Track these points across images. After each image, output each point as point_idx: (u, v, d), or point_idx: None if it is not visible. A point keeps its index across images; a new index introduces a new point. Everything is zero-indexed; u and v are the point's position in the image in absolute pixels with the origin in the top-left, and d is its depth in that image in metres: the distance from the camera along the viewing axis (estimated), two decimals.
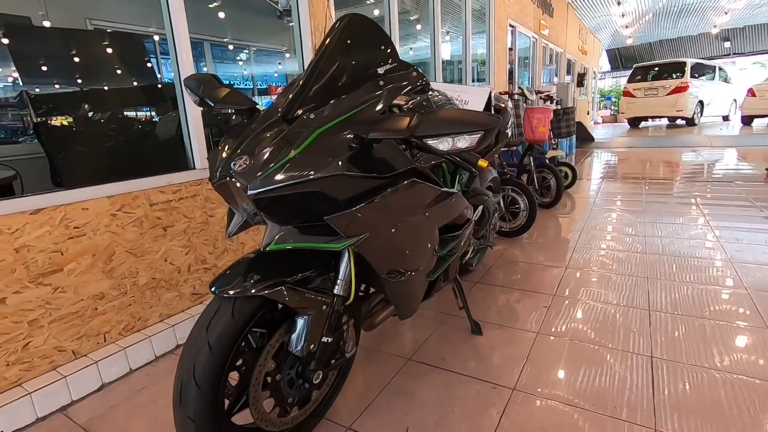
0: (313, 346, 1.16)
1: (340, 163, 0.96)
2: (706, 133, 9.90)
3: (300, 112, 1.07)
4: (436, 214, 1.24)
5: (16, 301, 1.56)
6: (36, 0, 4.76)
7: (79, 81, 3.75)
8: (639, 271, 2.57)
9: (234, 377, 1.11)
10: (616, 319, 2.03)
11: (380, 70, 1.14)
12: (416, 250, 1.23)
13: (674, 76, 11.45)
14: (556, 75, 9.76)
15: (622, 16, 11.75)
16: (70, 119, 3.15)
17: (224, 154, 1.02)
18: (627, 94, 12.36)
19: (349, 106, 1.06)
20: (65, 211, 1.68)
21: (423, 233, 1.22)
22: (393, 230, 1.10)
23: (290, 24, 2.84)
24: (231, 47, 8.39)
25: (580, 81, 12.07)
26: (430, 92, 1.57)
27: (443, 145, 0.97)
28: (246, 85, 9.72)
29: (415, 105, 1.38)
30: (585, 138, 9.74)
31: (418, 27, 8.73)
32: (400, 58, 1.22)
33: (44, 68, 3.65)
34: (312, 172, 0.94)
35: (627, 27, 13.53)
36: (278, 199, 0.95)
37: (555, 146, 4.56)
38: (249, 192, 0.93)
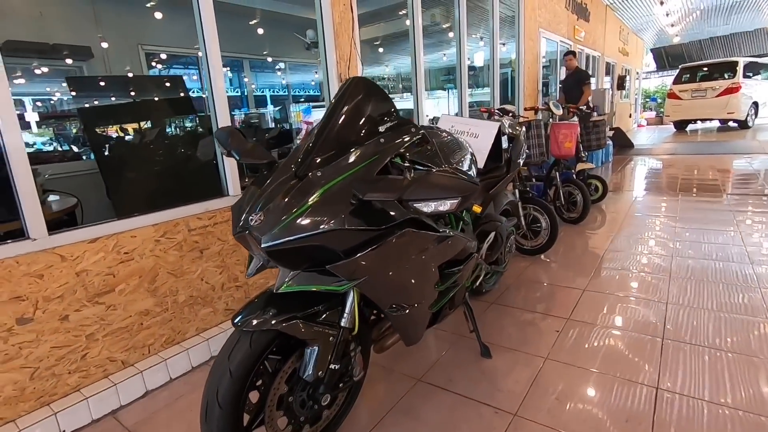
0: (321, 372, 1.30)
1: (341, 218, 1.10)
2: (760, 138, 9.32)
3: (312, 168, 1.22)
4: (434, 256, 1.35)
5: (77, 318, 1.82)
6: (95, 29, 5.27)
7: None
8: (664, 296, 2.56)
9: (254, 396, 1.28)
10: (628, 346, 2.05)
11: (381, 128, 1.28)
12: (415, 287, 1.36)
13: (725, 76, 10.85)
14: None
15: (667, 15, 11.27)
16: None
17: (245, 208, 1.19)
18: (672, 96, 11.82)
19: (351, 164, 1.20)
20: (117, 239, 1.92)
21: (421, 273, 1.34)
22: (391, 273, 1.23)
23: (317, 55, 3.03)
24: (270, 59, 8.78)
25: (621, 84, 11.67)
26: (441, 132, 1.68)
27: (427, 208, 1.09)
28: (283, 92, 10.16)
29: (420, 155, 1.49)
30: (624, 144, 9.42)
31: (451, 34, 8.80)
32: (400, 114, 1.35)
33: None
34: (316, 228, 1.09)
35: (673, 26, 12.95)
36: (287, 250, 1.10)
37: (584, 159, 4.51)
38: (262, 245, 1.09)
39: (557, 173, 4.06)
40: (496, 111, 3.30)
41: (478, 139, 2.06)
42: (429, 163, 1.47)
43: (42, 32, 4.76)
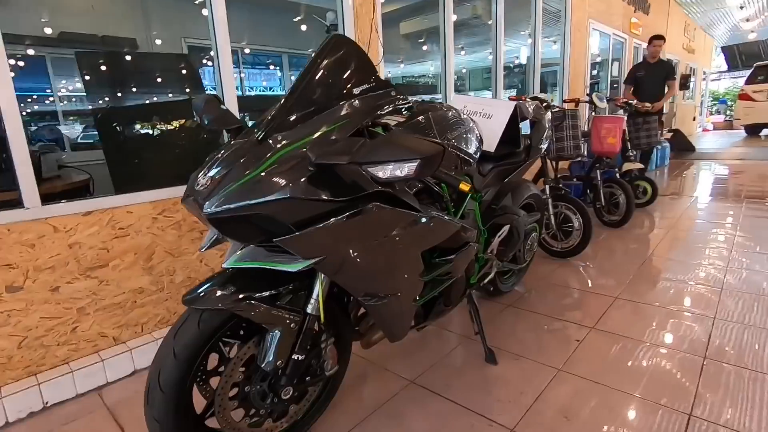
0: (281, 362, 1.17)
1: (292, 186, 0.97)
2: None
3: (277, 131, 1.09)
4: (413, 239, 1.18)
5: (68, 290, 1.81)
6: (142, 22, 5.51)
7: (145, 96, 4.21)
8: (711, 311, 2.21)
9: (214, 382, 1.17)
10: (660, 363, 1.77)
11: (356, 91, 1.13)
12: (390, 274, 1.20)
13: None
14: None
15: (741, 8, 10.24)
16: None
17: (197, 173, 1.08)
18: (744, 97, 10.76)
19: (315, 128, 1.06)
20: (113, 213, 1.90)
21: (397, 258, 1.18)
22: (356, 254, 1.08)
23: None
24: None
25: (684, 83, 10.75)
26: (442, 107, 1.51)
27: (383, 172, 0.93)
28: None
29: (412, 127, 1.33)
30: (684, 148, 8.64)
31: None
32: (384, 77, 1.19)
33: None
34: (263, 196, 0.96)
35: (748, 20, 11.76)
36: (231, 219, 0.98)
37: (632, 158, 4.11)
38: (203, 212, 0.97)
39: (598, 171, 3.71)
40: (528, 99, 3.03)
41: (491, 120, 1.85)
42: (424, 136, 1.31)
43: (92, 25, 5.02)
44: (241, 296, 1.10)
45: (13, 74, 1.66)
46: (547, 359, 1.84)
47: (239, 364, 1.17)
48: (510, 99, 2.95)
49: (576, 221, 2.97)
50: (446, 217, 1.28)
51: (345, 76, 1.13)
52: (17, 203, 1.70)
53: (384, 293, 1.23)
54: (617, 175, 3.83)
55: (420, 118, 1.38)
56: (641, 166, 4.36)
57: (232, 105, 2.29)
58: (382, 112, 1.13)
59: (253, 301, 1.10)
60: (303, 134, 1.05)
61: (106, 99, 4.06)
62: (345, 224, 1.02)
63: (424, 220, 1.17)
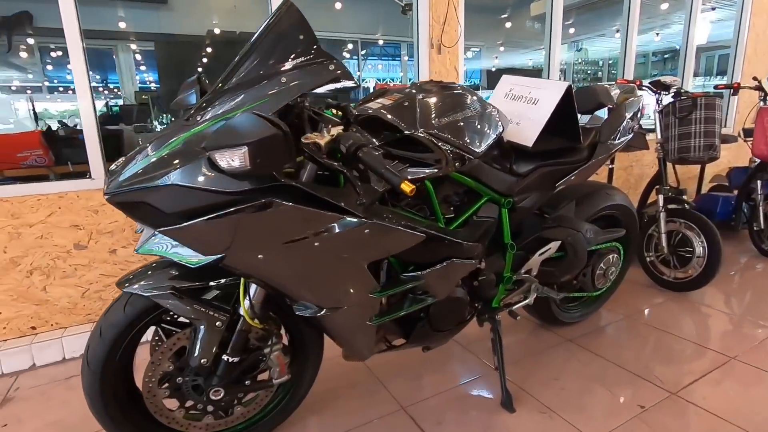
0: (204, 360, 1.10)
1: (179, 172, 0.86)
2: None
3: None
4: (343, 246, 0.96)
5: (124, 254, 2.04)
6: (263, 15, 6.04)
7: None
8: None
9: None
10: None
11: (287, 65, 0.95)
12: (324, 284, 1.01)
13: None
14: None
15: None
16: None
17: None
18: None
19: (233, 108, 0.92)
20: None
21: (326, 266, 0.98)
22: (263, 256, 0.92)
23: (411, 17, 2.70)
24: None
25: None
26: (435, 87, 1.22)
27: (222, 160, 0.73)
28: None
29: (392, 111, 1.08)
30: None
31: (664, 6, 7.08)
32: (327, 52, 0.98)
33: None
34: (151, 181, 0.87)
35: None
36: (129, 204, 0.92)
37: None
38: (104, 193, 0.93)
39: (759, 182, 2.76)
40: (646, 85, 2.37)
41: (536, 107, 1.44)
42: (400, 123, 1.07)
43: (233, 22, 5.70)
44: (164, 285, 1.05)
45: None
46: (585, 424, 1.40)
47: (168, 353, 1.13)
48: (617, 83, 2.34)
49: (698, 245, 2.24)
50: (402, 224, 1.02)
51: (284, 47, 0.97)
52: (86, 174, 1.98)
53: (322, 305, 1.05)
54: None
55: (405, 101, 1.14)
56: None
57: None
58: (317, 88, 0.93)
59: (174, 292, 1.04)
60: (219, 114, 0.93)
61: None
62: (237, 219, 0.87)
63: (354, 224, 0.95)
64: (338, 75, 0.94)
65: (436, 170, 1.10)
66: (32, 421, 1.51)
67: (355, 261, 1.01)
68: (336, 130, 0.97)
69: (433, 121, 1.11)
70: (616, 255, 1.83)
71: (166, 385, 1.16)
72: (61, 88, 8.66)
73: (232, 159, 0.75)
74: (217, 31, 5.81)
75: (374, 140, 1.10)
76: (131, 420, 1.16)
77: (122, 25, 5.99)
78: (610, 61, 9.76)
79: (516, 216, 1.48)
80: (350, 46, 8.13)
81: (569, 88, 1.36)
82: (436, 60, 2.63)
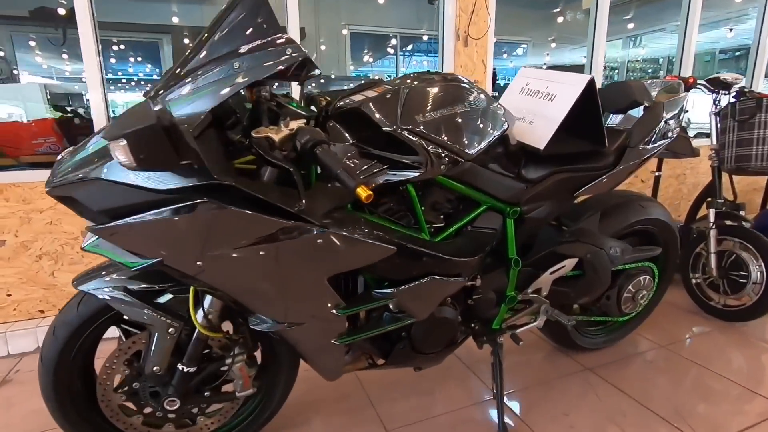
0: (157, 368, 1.03)
1: (107, 167, 0.77)
2: None
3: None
4: (296, 256, 0.84)
5: None
6: (313, 11, 6.03)
7: None
8: None
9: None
10: None
11: (243, 49, 0.84)
12: (278, 297, 0.89)
13: None
14: None
15: None
16: None
17: None
18: None
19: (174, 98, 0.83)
20: None
21: (278, 277, 0.86)
22: (204, 262, 0.82)
23: (435, 5, 2.53)
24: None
25: None
26: (443, 81, 1.07)
27: (115, 156, 0.63)
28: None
29: (377, 103, 0.95)
30: None
31: None
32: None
33: None
34: (77, 178, 0.79)
35: None
36: (65, 199, 0.85)
37: None
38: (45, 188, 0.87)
39: None
40: (701, 83, 2.07)
41: (553, 103, 1.25)
42: (378, 118, 0.94)
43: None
44: (117, 285, 0.98)
45: None
46: None
47: (122, 356, 1.07)
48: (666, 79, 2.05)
49: (755, 269, 1.93)
50: (368, 235, 0.89)
51: (242, 29, 0.86)
52: None
53: (277, 320, 0.94)
54: None
55: (389, 94, 1.00)
56: None
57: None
58: (268, 73, 0.81)
59: (125, 294, 0.97)
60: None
61: None
62: (165, 222, 0.77)
63: (304, 232, 0.82)
64: (295, 60, 0.82)
65: (415, 174, 0.95)
66: (21, 406, 1.52)
67: (313, 274, 0.89)
68: (296, 124, 0.86)
69: (417, 117, 0.97)
70: (648, 277, 1.59)
71: (125, 389, 1.09)
72: (123, 80, 9.22)
73: (117, 152, 0.65)
74: None
75: (348, 137, 0.98)
76: (89, 421, 1.11)
77: (175, 19, 6.21)
78: (673, 59, 9.01)
79: (525, 228, 1.30)
80: (393, 41, 8.00)
81: (591, 83, 1.16)
82: (462, 53, 2.45)
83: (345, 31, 6.17)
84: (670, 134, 1.38)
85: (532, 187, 1.26)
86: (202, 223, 0.78)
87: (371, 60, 8.81)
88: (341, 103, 1.03)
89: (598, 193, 1.35)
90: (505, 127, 1.09)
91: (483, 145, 1.03)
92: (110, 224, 0.79)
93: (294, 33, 2.26)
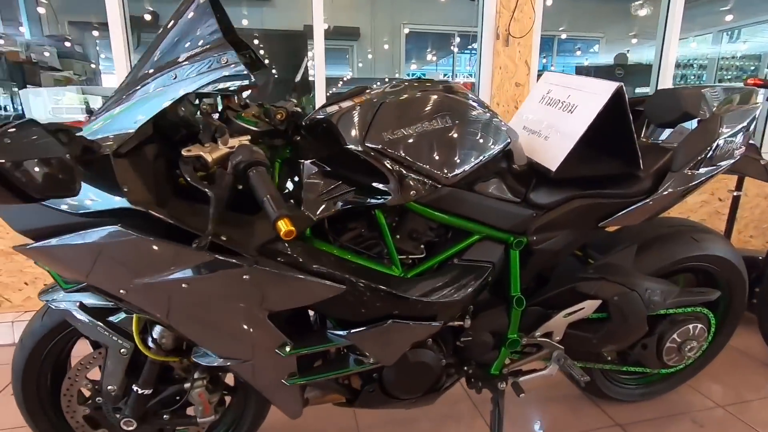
0: (111, 387, 0.99)
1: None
2: None
3: None
4: (222, 292, 0.74)
5: None
6: (369, 11, 5.99)
7: None
8: None
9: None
10: None
11: (182, 57, 0.75)
12: (207, 332, 0.81)
13: None
14: None
15: None
16: None
17: None
18: None
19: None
20: None
21: (208, 312, 0.77)
22: (127, 290, 0.75)
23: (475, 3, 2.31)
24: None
25: None
26: (432, 92, 0.92)
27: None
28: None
29: (344, 113, 0.83)
30: None
31: None
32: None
33: None
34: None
35: None
36: None
37: None
38: None
39: None
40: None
41: (573, 116, 1.03)
42: (342, 134, 0.83)
43: (330, 16, 5.74)
44: (74, 299, 0.96)
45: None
46: None
47: (84, 370, 1.04)
48: (745, 84, 1.69)
49: None
50: (311, 271, 0.77)
51: (187, 34, 0.78)
52: None
53: (218, 355, 0.86)
54: None
55: (359, 105, 0.87)
56: None
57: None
58: (200, 84, 0.72)
59: (78, 311, 0.94)
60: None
61: None
62: (84, 246, 0.71)
63: (228, 267, 0.72)
64: (227, 71, 0.72)
65: (379, 201, 0.82)
66: None
67: (246, 311, 0.79)
68: (237, 141, 0.76)
69: (385, 134, 0.83)
70: (701, 326, 1.31)
71: (89, 402, 1.08)
72: None
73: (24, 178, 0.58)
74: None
75: (312, 154, 0.87)
76: (59, 430, 1.11)
77: (245, 22, 6.49)
78: None
79: (535, 261, 1.10)
80: (458, 39, 7.75)
81: (619, 91, 0.94)
82: (501, 53, 2.23)
83: (406, 30, 6.05)
84: (732, 154, 1.11)
85: (543, 214, 1.07)
86: (114, 249, 0.71)
87: (434, 59, 8.62)
88: (318, 114, 0.93)
89: (626, 224, 1.11)
90: (502, 145, 0.92)
91: (468, 167, 0.87)
92: (29, 246, 0.75)
93: (318, 32, 2.19)
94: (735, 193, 2.25)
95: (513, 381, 1.18)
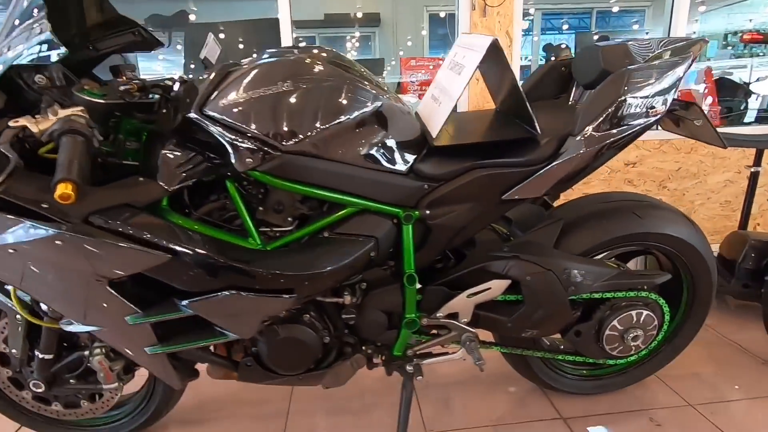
0: (15, 351, 1.06)
1: None
2: None
3: None
4: (45, 258, 0.76)
5: None
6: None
7: None
8: None
9: None
10: None
11: (14, 32, 0.76)
12: (54, 298, 0.84)
13: None
14: None
15: None
16: None
17: None
18: None
19: None
20: None
21: (43, 278, 0.80)
22: None
23: None
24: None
25: None
26: (303, 63, 0.88)
27: None
28: None
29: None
30: None
31: None
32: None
33: None
34: None
35: None
36: None
37: None
38: None
39: None
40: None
41: (459, 77, 0.93)
42: (188, 102, 0.83)
43: (347, 4, 5.69)
44: None
45: None
46: None
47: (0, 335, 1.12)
48: (741, 40, 1.46)
49: None
50: (137, 239, 0.76)
51: (20, 12, 0.79)
52: None
53: (78, 321, 0.89)
54: None
55: (218, 76, 0.86)
56: None
57: None
58: (17, 58, 0.73)
59: None
60: None
61: None
62: None
63: (41, 233, 0.73)
64: (39, 39, 0.72)
65: (211, 169, 0.80)
66: None
67: (84, 278, 0.80)
68: (66, 113, 0.77)
69: (222, 101, 0.81)
70: (648, 312, 1.17)
71: (10, 365, 1.16)
72: None
73: None
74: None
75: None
76: None
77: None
78: None
79: (436, 237, 1.04)
80: None
81: (493, 45, 0.84)
82: (479, 25, 2.10)
83: (425, 13, 5.88)
84: (648, 113, 0.95)
85: (438, 187, 1.00)
86: None
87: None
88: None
89: (531, 196, 1.00)
90: (359, 111, 0.86)
91: (311, 133, 0.83)
92: None
93: (285, 20, 2.17)
94: (753, 169, 1.99)
95: (416, 363, 1.12)
